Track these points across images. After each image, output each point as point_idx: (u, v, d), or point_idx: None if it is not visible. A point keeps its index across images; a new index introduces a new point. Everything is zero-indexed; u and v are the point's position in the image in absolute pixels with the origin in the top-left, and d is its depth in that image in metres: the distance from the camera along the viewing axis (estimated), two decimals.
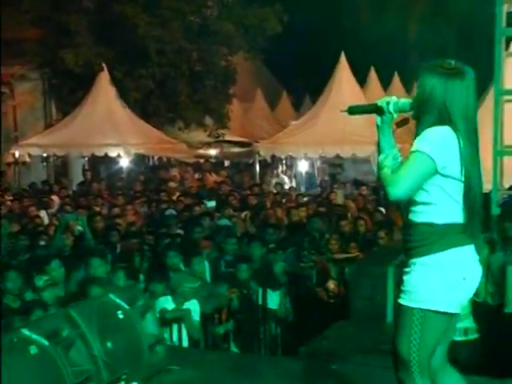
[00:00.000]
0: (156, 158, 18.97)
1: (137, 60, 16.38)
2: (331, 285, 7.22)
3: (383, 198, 12.63)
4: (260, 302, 6.68)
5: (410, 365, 3.06)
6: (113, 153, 15.19)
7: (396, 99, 3.21)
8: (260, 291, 6.68)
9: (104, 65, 15.74)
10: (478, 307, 5.95)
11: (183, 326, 5.79)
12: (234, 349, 6.41)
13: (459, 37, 28.94)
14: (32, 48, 16.17)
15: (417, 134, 3.08)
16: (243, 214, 10.36)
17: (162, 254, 7.13)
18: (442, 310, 3.01)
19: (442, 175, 3.00)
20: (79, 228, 8.90)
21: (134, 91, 16.23)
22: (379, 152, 3.30)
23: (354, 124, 14.02)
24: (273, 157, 16.16)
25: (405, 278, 3.10)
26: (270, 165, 17.58)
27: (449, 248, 3.01)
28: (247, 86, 23.41)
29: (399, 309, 3.12)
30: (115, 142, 15.00)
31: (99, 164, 17.30)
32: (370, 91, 18.75)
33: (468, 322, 5.84)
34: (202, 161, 17.85)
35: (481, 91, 10.59)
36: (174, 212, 10.43)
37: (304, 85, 26.32)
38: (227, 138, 19.53)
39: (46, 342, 3.51)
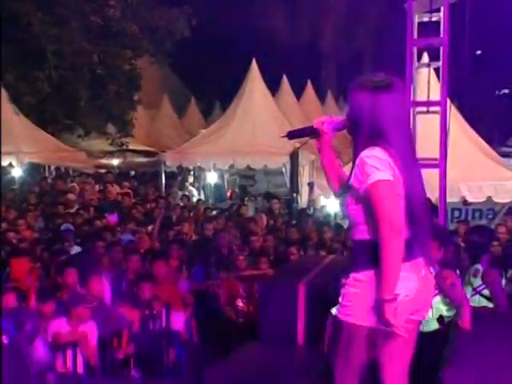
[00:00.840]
0: (53, 167, 18.49)
1: (31, 62, 15.93)
2: (240, 303, 7.22)
3: (295, 212, 12.82)
4: (164, 324, 6.60)
5: (335, 376, 3.25)
6: (4, 162, 14.72)
7: (330, 118, 3.42)
8: (164, 312, 6.60)
9: None
10: None
11: (78, 350, 5.63)
12: (135, 375, 6.28)
13: (373, 47, 29.86)
14: None
15: (354, 152, 3.22)
16: (148, 229, 10.24)
17: (57, 272, 6.94)
18: (365, 324, 3.14)
19: None
20: None
21: (28, 95, 15.77)
22: (325, 174, 3.48)
23: (266, 134, 14.15)
24: (180, 167, 16.06)
25: (342, 291, 3.27)
26: (176, 176, 17.47)
27: None
28: (153, 92, 23.25)
29: (335, 322, 3.29)
30: (7, 149, 14.53)
31: None
32: (282, 99, 19.00)
33: None
34: (103, 171, 17.53)
35: None
36: (71, 226, 10.17)
37: (214, 91, 26.43)
38: (131, 146, 19.29)
39: None
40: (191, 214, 12.57)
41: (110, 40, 17.13)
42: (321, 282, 5.76)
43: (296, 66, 23.40)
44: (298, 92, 21.53)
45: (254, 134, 14.40)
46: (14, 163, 14.82)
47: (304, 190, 14.01)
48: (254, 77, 15.42)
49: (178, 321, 6.73)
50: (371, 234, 3.15)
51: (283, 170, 14.26)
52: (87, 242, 8.89)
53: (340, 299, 3.25)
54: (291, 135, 3.63)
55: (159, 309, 6.54)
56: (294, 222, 11.48)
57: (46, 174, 18.11)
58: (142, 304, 6.46)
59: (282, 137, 3.65)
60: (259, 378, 4.87)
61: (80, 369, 5.61)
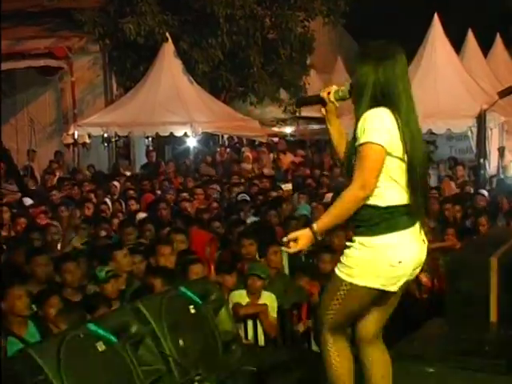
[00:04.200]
0: (226, 137, 19.09)
1: (204, 28, 16.44)
2: (423, 278, 7.14)
3: (483, 180, 12.42)
4: None
5: (323, 321, 3.66)
6: (179, 132, 15.30)
7: (336, 88, 3.74)
8: None
9: (168, 35, 15.88)
10: None
11: (258, 322, 5.84)
12: (315, 348, 6.42)
13: None
14: (91, 18, 16.44)
15: (356, 119, 3.53)
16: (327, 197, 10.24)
17: (235, 243, 7.22)
18: (369, 285, 3.52)
19: (387, 156, 3.44)
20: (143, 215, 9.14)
21: (201, 63, 16.26)
22: (329, 140, 3.88)
23: (449, 95, 13.75)
24: None
25: (345, 251, 3.62)
26: None
27: (388, 232, 3.47)
28: (326, 55, 23.22)
29: (332, 275, 3.67)
30: (181, 119, 15.09)
31: (164, 144, 17.53)
32: (467, 57, 18.26)
33: None
34: (276, 139, 17.84)
35: None
36: (246, 196, 10.51)
37: None
38: (304, 113, 19.39)
39: (114, 339, 3.61)
40: None
41: (281, 2, 17.25)
42: None
43: (483, 19, 22.34)
44: (486, 48, 20.58)
45: (437, 95, 14.00)
46: (188, 133, 15.31)
47: (493, 156, 13.52)
48: (436, 33, 14.93)
49: None
50: (376, 199, 3.48)
51: (468, 133, 13.82)
52: (263, 212, 9.16)
53: (341, 258, 3.59)
54: (299, 102, 4.03)
55: None
56: (484, 190, 11.11)
57: (220, 144, 18.80)
58: (322, 276, 6.53)
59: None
60: (447, 355, 4.84)
61: (261, 341, 5.83)
